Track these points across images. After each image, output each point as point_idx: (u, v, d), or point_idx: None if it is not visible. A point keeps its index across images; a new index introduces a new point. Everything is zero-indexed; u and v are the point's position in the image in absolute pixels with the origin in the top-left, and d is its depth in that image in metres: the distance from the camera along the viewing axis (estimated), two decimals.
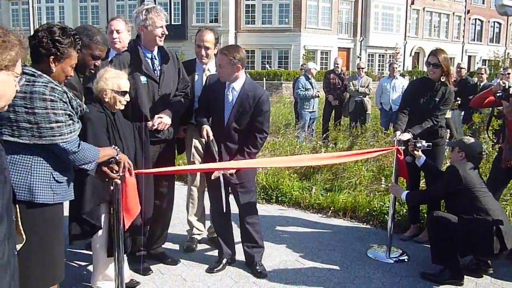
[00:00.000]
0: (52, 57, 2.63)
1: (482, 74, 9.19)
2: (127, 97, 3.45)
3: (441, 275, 4.01)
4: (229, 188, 4.14)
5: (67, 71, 2.75)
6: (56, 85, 2.57)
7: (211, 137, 3.86)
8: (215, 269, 4.15)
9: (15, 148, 2.49)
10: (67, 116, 2.59)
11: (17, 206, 1.85)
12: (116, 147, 3.12)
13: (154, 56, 3.94)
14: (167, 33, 3.90)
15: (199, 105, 4.13)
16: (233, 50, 3.80)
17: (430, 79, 4.78)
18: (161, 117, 3.80)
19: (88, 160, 2.74)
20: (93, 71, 3.54)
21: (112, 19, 4.58)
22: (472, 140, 4.30)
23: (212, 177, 3.90)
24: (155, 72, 3.91)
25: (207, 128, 3.87)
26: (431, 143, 4.45)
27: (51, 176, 2.60)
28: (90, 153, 2.75)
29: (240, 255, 4.34)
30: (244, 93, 3.88)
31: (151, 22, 3.77)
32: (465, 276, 4.00)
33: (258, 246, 4.23)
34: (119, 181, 3.08)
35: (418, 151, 4.45)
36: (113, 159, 3.02)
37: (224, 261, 4.22)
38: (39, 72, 2.56)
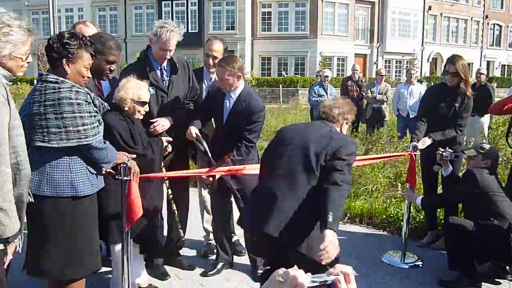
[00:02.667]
0: (65, 59, 2.76)
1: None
2: (146, 108, 3.55)
3: (458, 282, 3.98)
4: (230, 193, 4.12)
5: (82, 72, 2.85)
6: (79, 87, 2.76)
7: (197, 136, 3.86)
8: (209, 273, 4.19)
9: (53, 152, 2.71)
10: (93, 118, 2.78)
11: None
12: (127, 154, 3.26)
13: (164, 67, 3.98)
14: (169, 57, 3.91)
15: (198, 108, 4.15)
16: (231, 61, 3.83)
17: (445, 85, 4.77)
18: (159, 120, 3.85)
19: (109, 160, 2.97)
20: (109, 76, 3.68)
21: (78, 23, 4.42)
22: (489, 146, 4.28)
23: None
24: (164, 82, 3.96)
25: (191, 128, 3.87)
26: (458, 153, 4.39)
27: (87, 170, 2.86)
28: (112, 153, 2.98)
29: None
30: (239, 102, 3.90)
31: (157, 40, 3.81)
32: (483, 283, 3.97)
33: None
34: (126, 178, 3.21)
35: (446, 161, 4.38)
36: (124, 164, 3.19)
37: (220, 266, 4.25)
38: (62, 78, 2.73)
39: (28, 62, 2.60)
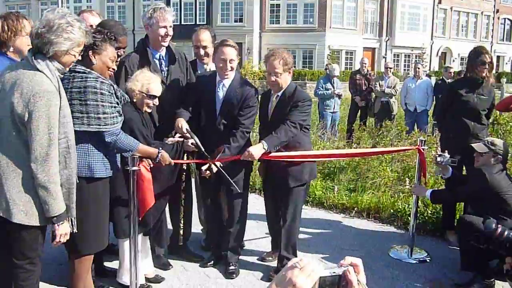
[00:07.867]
0: (91, 51, 3.03)
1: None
2: (156, 101, 3.53)
3: (472, 284, 3.89)
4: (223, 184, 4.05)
5: (107, 63, 3.12)
6: (104, 79, 3.02)
7: (187, 129, 3.70)
8: (208, 264, 4.23)
9: (75, 135, 2.87)
10: (113, 108, 3.05)
11: None
12: (161, 149, 3.38)
13: (162, 57, 3.95)
14: (171, 34, 3.86)
15: (187, 96, 4.01)
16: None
17: (475, 78, 4.72)
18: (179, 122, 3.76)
19: (125, 150, 3.19)
20: (117, 61, 3.62)
21: (84, 11, 4.39)
22: (499, 140, 4.20)
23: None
24: (163, 72, 3.92)
25: (180, 121, 3.73)
26: (456, 159, 4.28)
27: (103, 155, 3.11)
28: (127, 144, 3.16)
29: (259, 249, 4.36)
30: (232, 89, 3.85)
31: (154, 21, 3.78)
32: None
33: (235, 252, 4.18)
34: (134, 168, 3.27)
35: (445, 166, 4.27)
36: (154, 160, 3.36)
37: (215, 257, 4.28)
38: (89, 70, 3.01)
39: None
